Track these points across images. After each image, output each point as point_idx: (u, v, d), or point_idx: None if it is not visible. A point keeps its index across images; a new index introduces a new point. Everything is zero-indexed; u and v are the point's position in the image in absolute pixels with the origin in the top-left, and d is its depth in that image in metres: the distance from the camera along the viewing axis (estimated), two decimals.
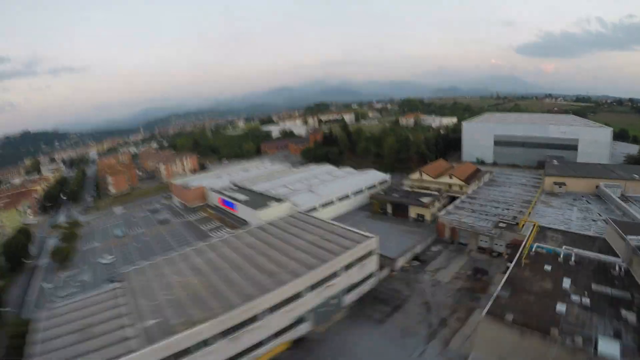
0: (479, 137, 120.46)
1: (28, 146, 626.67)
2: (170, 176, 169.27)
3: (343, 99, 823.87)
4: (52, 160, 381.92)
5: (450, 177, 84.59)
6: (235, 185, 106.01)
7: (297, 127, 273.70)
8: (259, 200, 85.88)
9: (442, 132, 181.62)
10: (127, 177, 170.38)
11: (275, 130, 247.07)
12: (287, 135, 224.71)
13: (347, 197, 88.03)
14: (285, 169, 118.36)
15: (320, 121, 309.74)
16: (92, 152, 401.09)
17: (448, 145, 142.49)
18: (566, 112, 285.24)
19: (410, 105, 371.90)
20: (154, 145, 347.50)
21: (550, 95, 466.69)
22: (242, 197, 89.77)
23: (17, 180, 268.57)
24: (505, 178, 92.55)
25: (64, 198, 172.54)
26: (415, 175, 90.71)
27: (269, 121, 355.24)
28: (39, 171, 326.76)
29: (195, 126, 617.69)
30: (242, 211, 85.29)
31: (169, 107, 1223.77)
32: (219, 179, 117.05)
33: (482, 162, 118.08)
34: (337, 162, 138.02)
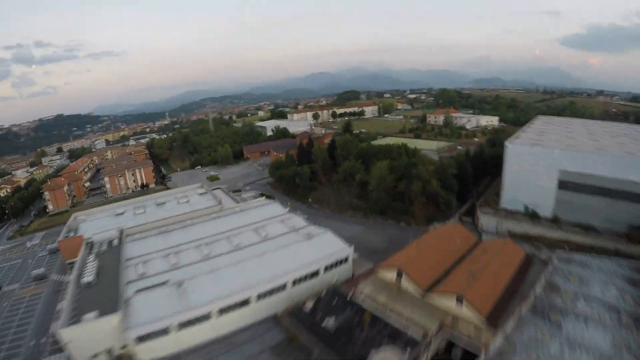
0: (532, 169, 70.69)
1: (61, 129, 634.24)
2: (116, 192, 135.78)
3: (381, 87, 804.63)
4: (59, 150, 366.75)
5: (459, 303, 38.62)
6: (120, 237, 67.42)
7: (301, 124, 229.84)
8: (95, 292, 46.94)
9: (475, 141, 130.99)
10: (71, 190, 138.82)
11: (270, 127, 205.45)
12: (280, 134, 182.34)
13: (246, 303, 45.65)
14: (211, 206, 77.07)
15: (334, 114, 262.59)
16: (99, 142, 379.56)
17: (482, 168, 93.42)
18: (625, 114, 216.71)
19: (446, 97, 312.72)
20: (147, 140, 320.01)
21: (602, 92, 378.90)
22: (87, 279, 50.84)
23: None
24: (578, 283, 44.66)
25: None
26: (388, 275, 45.15)
27: (280, 114, 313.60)
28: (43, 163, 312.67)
29: (220, 112, 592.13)
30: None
31: (208, 91, 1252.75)
32: (117, 219, 79.28)
33: (533, 215, 69.46)
34: (307, 192, 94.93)
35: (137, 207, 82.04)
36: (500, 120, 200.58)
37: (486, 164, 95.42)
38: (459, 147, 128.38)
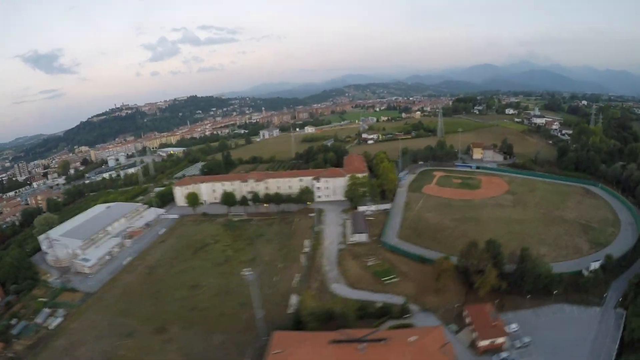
0: None
1: (186, 111, 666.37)
2: None
3: (550, 85, 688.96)
4: (84, 162, 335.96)
5: None
6: None
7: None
8: None
9: None
10: None
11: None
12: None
13: None
14: None
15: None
16: (113, 157, 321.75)
17: None
18: None
19: (587, 132, 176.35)
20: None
21: None
22: None
23: None
24: None
25: None
26: None
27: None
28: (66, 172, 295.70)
29: (336, 106, 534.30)
30: None
31: (366, 76, 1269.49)
32: None
33: None
34: None
35: None
36: None
37: None
38: None
